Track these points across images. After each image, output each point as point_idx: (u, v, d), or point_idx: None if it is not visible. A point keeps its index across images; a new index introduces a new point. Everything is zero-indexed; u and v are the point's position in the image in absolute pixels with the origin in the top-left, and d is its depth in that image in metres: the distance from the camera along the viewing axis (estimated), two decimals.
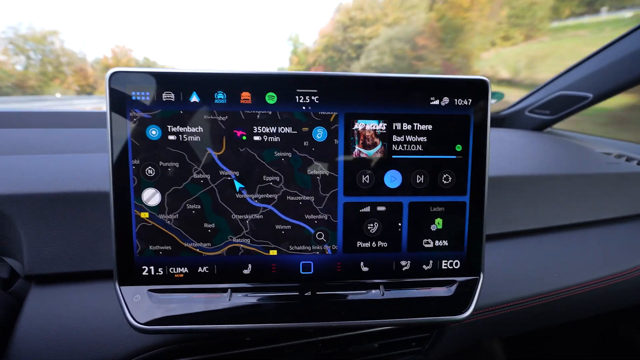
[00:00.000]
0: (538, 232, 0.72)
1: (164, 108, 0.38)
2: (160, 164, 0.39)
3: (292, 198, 0.41)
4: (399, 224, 0.43)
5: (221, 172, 0.40)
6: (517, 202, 0.70)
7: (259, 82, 0.39)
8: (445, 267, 0.44)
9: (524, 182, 0.71)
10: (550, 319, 0.72)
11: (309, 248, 0.42)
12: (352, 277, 0.43)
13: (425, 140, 0.41)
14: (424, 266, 0.43)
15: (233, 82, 0.39)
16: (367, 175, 0.41)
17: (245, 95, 0.39)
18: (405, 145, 0.41)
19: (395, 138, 0.41)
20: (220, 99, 0.39)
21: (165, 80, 0.38)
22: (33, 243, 0.47)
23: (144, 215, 0.39)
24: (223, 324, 0.39)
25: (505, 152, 0.82)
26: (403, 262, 0.43)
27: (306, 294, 0.42)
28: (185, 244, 0.40)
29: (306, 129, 0.40)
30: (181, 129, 0.39)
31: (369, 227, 0.42)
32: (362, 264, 0.43)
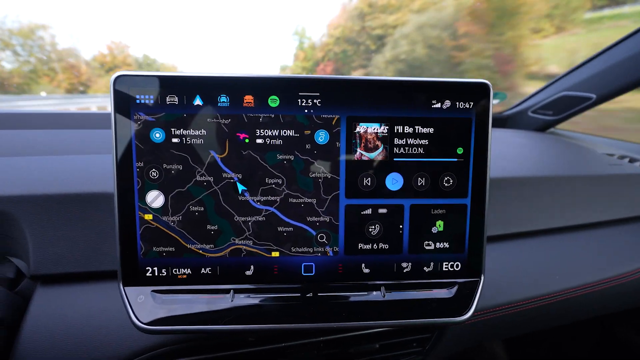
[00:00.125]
0: (540, 234, 0.72)
1: (167, 111, 0.39)
2: (164, 167, 0.39)
3: (294, 200, 0.41)
4: (400, 226, 0.43)
5: (224, 175, 0.40)
6: (519, 203, 0.70)
7: (261, 86, 0.39)
8: (446, 269, 0.44)
9: (526, 184, 0.71)
10: (550, 320, 0.72)
11: (310, 250, 0.42)
12: (353, 278, 0.43)
13: (427, 143, 0.42)
14: (425, 268, 0.44)
15: (236, 86, 0.39)
16: (369, 178, 0.42)
17: (248, 99, 0.39)
18: (406, 148, 0.41)
19: (396, 141, 0.41)
20: (223, 102, 0.39)
21: (169, 83, 0.38)
22: (39, 243, 0.48)
23: (148, 217, 0.40)
24: (225, 324, 0.40)
25: (508, 153, 0.82)
26: (404, 264, 0.43)
27: (308, 295, 0.42)
28: (189, 246, 0.41)
29: (308, 132, 0.40)
30: (185, 132, 0.39)
31: (370, 229, 0.43)
32: (363, 265, 0.43)
